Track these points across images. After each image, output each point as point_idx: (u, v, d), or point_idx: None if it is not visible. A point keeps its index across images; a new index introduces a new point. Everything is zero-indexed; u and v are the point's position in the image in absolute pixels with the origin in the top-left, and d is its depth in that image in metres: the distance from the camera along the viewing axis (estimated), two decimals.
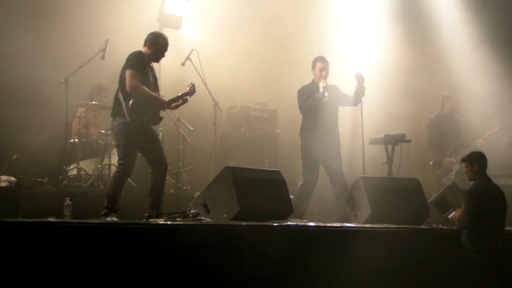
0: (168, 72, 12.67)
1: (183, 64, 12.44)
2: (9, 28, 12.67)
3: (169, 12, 13.98)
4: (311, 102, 10.74)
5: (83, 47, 12.48)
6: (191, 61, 12.34)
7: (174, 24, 13.98)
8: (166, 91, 10.06)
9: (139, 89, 8.96)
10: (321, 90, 10.70)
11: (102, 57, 11.53)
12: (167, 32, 10.00)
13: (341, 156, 10.91)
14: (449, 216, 10.25)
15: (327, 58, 10.99)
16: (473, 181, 9.21)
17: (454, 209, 9.99)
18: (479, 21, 14.66)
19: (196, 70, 12.12)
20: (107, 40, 11.57)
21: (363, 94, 10.89)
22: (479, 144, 12.75)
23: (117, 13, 13.20)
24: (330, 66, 10.94)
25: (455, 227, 9.36)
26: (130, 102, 8.93)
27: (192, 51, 12.41)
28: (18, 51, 12.62)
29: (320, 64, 10.89)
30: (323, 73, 10.82)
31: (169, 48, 9.43)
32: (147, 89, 9.07)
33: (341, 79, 11.53)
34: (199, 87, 10.51)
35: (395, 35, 15.18)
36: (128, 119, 8.94)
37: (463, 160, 9.45)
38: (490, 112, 13.94)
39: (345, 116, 12.08)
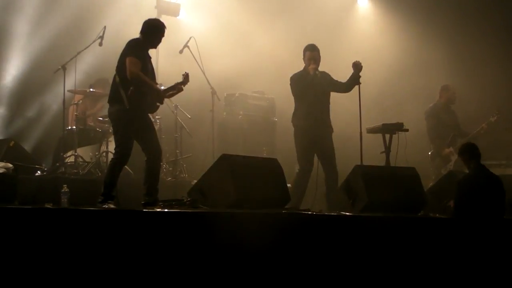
0: (166, 60, 12.67)
1: (181, 51, 12.47)
2: (8, 14, 12.69)
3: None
4: (303, 85, 10.86)
5: (80, 34, 12.47)
6: (189, 48, 12.37)
7: (172, 11, 14.01)
8: (164, 79, 10.05)
9: (139, 77, 8.95)
10: (311, 72, 10.85)
11: (100, 44, 11.50)
12: (165, 20, 9.97)
13: (333, 143, 11.01)
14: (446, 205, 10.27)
15: (316, 46, 11.11)
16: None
17: (451, 198, 10.01)
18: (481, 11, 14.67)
19: (194, 58, 12.13)
20: (105, 27, 11.54)
21: (357, 83, 10.95)
22: (481, 131, 12.77)
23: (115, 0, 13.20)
24: (322, 53, 11.04)
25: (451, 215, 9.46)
26: (130, 89, 8.91)
27: (190, 38, 12.42)
28: (15, 38, 12.63)
29: (309, 53, 11.03)
30: (312, 62, 10.95)
31: (167, 35, 9.43)
32: (146, 78, 9.07)
33: (338, 68, 11.54)
34: (197, 74, 10.51)
35: (394, 23, 15.19)
36: (128, 106, 8.92)
37: (458, 153, 9.54)
38: (488, 101, 13.92)
39: (342, 105, 12.07)
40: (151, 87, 9.16)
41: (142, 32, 9.31)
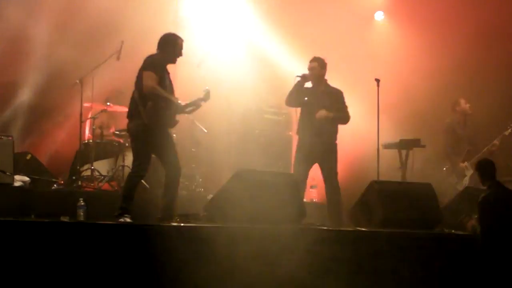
0: (183, 75, 12.68)
1: (198, 66, 12.47)
2: (26, 29, 12.75)
3: (184, 14, 14.00)
4: (290, 93, 10.79)
5: (98, 48, 12.51)
6: (206, 63, 12.37)
7: (189, 26, 14.00)
8: (181, 94, 10.06)
9: (156, 91, 8.95)
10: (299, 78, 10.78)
11: (118, 59, 11.55)
12: (182, 34, 9.98)
13: (334, 158, 10.70)
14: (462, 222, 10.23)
15: (318, 58, 10.87)
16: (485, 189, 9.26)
17: (467, 215, 9.97)
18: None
19: (211, 72, 12.14)
20: (123, 42, 11.59)
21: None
22: (493, 147, 12.71)
23: (133, 14, 13.22)
24: (338, 66, 10.99)
25: (468, 233, 9.40)
26: (149, 104, 8.93)
27: (206, 53, 12.44)
28: (33, 51, 12.69)
29: (308, 64, 10.89)
30: (310, 72, 10.81)
31: (184, 50, 9.44)
32: (164, 92, 9.06)
33: (354, 82, 11.53)
34: (213, 89, 10.48)
35: (411, 37, 15.17)
36: (146, 121, 8.95)
37: (475, 169, 9.51)
38: (502, 115, 13.87)
39: (359, 119, 12.06)
40: (169, 101, 9.15)
41: (159, 47, 9.34)
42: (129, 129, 9.28)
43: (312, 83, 10.87)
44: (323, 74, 10.87)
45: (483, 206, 9.09)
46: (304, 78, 10.77)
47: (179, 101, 9.35)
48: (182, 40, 9.41)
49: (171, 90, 9.34)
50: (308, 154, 10.60)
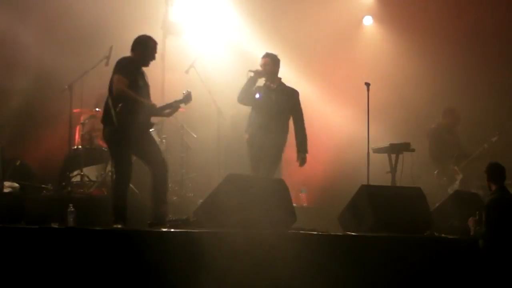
0: (172, 80, 12.67)
1: (186, 71, 12.43)
2: (14, 34, 12.72)
3: (173, 19, 13.98)
4: (243, 87, 10.49)
5: (87, 53, 12.49)
6: (195, 68, 12.33)
7: (178, 31, 13.98)
8: (170, 99, 10.05)
9: (125, 93, 8.84)
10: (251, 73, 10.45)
11: (106, 64, 11.51)
12: (171, 40, 9.95)
13: (276, 161, 10.58)
14: (452, 225, 10.25)
15: (270, 53, 10.66)
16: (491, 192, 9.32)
17: (457, 218, 10.00)
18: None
19: (200, 78, 12.11)
20: (111, 47, 11.57)
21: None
22: (483, 151, 12.75)
23: (122, 20, 13.21)
24: (327, 69, 10.88)
25: (467, 235, 9.46)
26: (119, 106, 8.82)
27: (195, 58, 12.40)
28: (22, 57, 12.66)
29: (260, 60, 10.64)
30: (262, 68, 10.54)
31: (174, 55, 9.40)
32: (134, 94, 8.93)
33: (340, 85, 11.51)
34: (203, 94, 10.45)
35: (400, 42, 15.20)
36: (117, 125, 8.85)
37: (485, 171, 9.54)
38: (489, 121, 13.93)
39: (349, 124, 12.06)
40: (141, 103, 9.01)
41: (133, 49, 9.27)
42: (104, 136, 9.22)
43: (265, 80, 10.63)
44: (277, 71, 10.66)
45: (491, 209, 9.14)
46: (257, 74, 10.51)
47: (153, 103, 9.24)
48: (155, 43, 9.33)
49: (146, 92, 9.24)
50: (260, 159, 10.46)
